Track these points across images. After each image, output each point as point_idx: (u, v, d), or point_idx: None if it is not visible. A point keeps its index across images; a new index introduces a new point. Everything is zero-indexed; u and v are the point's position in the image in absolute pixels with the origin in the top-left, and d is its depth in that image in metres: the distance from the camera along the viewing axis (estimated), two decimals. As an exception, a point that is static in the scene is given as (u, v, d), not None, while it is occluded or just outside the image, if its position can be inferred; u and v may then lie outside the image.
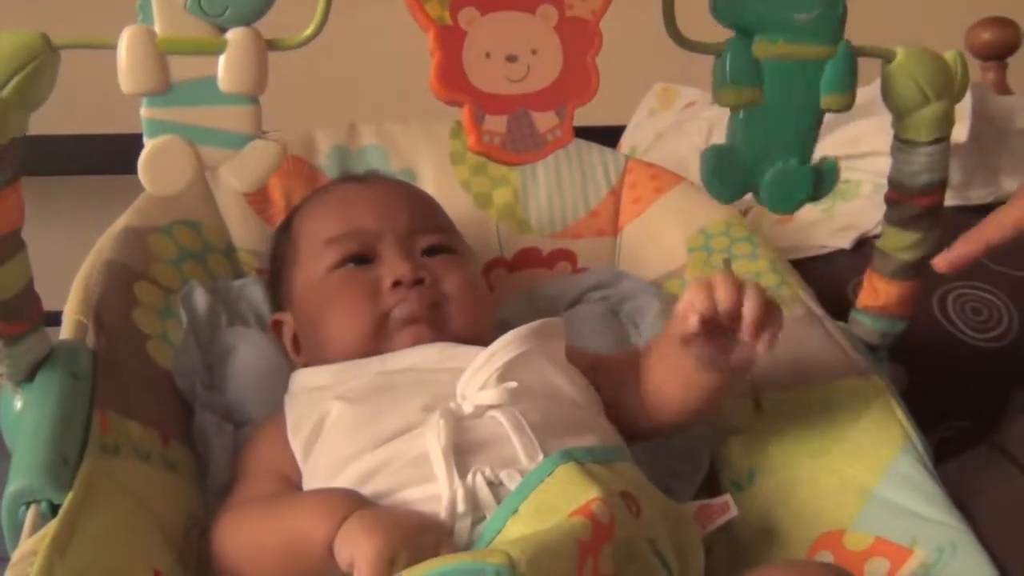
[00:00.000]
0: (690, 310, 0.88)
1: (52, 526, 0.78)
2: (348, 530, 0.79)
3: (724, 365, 0.91)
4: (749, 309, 0.87)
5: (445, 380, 0.92)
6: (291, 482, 0.94)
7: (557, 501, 0.79)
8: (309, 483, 0.93)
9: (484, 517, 0.81)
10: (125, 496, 0.86)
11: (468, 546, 0.80)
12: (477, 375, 0.90)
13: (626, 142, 1.71)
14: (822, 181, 0.89)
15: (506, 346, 0.91)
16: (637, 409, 0.99)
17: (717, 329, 0.89)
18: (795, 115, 0.86)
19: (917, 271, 0.98)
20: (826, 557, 0.89)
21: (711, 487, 1.04)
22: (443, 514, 0.81)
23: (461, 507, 0.81)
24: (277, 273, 1.14)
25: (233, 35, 0.77)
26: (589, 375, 1.00)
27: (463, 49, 0.77)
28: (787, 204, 0.89)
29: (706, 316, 0.87)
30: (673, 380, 0.96)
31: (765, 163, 0.87)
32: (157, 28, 0.76)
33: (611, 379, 1.01)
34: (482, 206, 1.29)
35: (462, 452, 0.85)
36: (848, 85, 0.85)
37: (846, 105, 0.86)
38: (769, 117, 0.85)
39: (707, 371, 0.92)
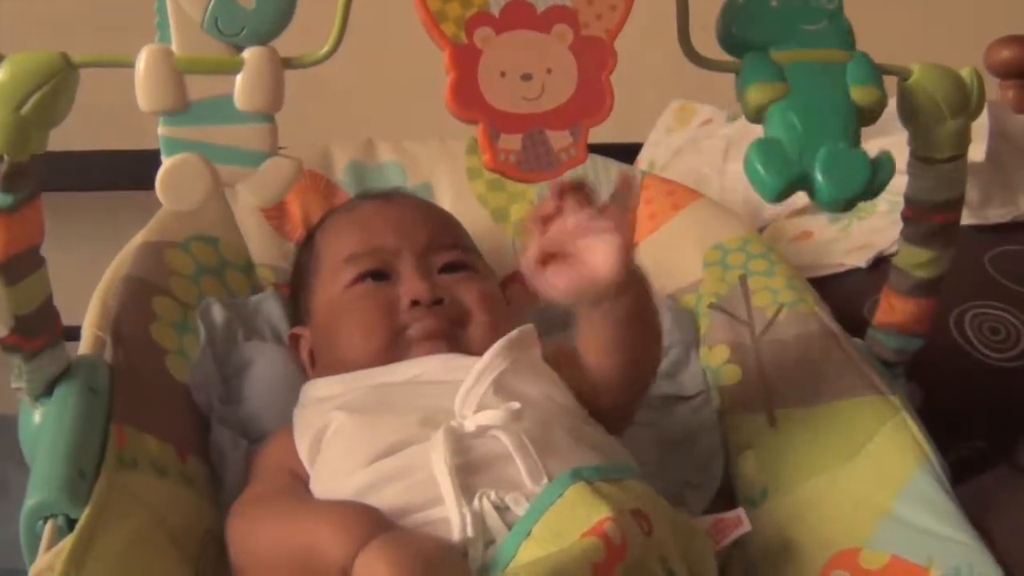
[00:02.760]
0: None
1: (69, 541, 0.79)
2: (370, 560, 0.77)
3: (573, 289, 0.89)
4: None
5: (442, 393, 0.92)
6: (301, 479, 0.94)
7: (569, 522, 0.79)
8: (315, 490, 0.93)
9: (494, 541, 0.81)
10: (142, 511, 0.87)
11: (482, 571, 0.80)
12: (472, 393, 0.90)
13: (644, 159, 1.71)
14: (879, 170, 0.84)
15: (492, 361, 0.91)
16: (590, 391, 0.99)
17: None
18: (828, 104, 0.84)
19: (934, 289, 0.98)
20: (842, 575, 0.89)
21: (726, 503, 1.04)
22: (455, 537, 0.81)
23: (470, 532, 0.81)
24: (297, 288, 1.15)
25: (250, 54, 0.77)
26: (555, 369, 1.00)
27: (478, 68, 0.77)
28: (847, 189, 0.83)
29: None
30: (585, 348, 0.98)
31: (811, 147, 0.83)
32: (175, 47, 0.77)
33: (570, 369, 1.01)
34: (499, 221, 1.30)
35: (466, 472, 0.85)
36: (874, 79, 0.84)
37: (877, 100, 0.84)
38: (801, 107, 0.83)
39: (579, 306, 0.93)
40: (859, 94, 0.84)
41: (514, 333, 0.94)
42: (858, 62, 0.85)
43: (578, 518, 0.79)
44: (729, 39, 0.83)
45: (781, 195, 0.84)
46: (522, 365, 0.93)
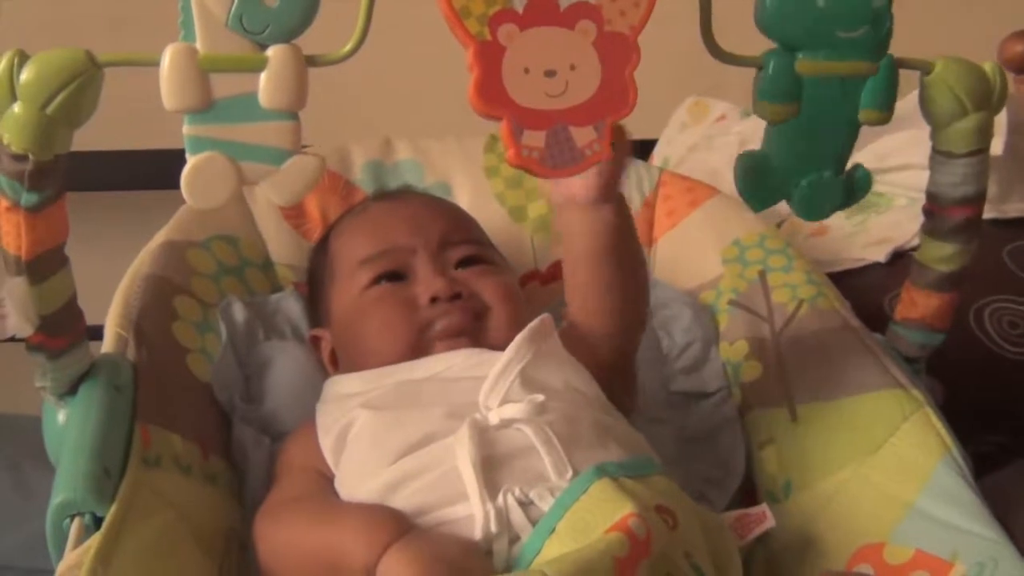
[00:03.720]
0: None
1: (96, 539, 0.79)
2: (393, 563, 0.78)
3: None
4: None
5: (468, 388, 0.92)
6: (326, 478, 0.94)
7: (593, 518, 0.79)
8: (340, 489, 0.93)
9: (518, 537, 0.81)
10: (167, 509, 0.87)
11: (507, 568, 0.80)
12: (497, 387, 0.90)
13: (658, 155, 1.71)
14: (853, 190, 0.89)
15: (516, 354, 0.91)
16: (598, 335, 1.03)
17: None
18: (832, 129, 0.86)
19: (955, 283, 0.98)
20: (866, 570, 0.89)
21: (746, 499, 1.04)
22: (478, 534, 0.81)
23: (494, 528, 0.81)
24: (315, 291, 1.15)
25: (274, 52, 0.77)
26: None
27: (502, 65, 0.77)
28: (817, 213, 0.90)
29: None
30: (576, 269, 1.03)
31: (798, 174, 0.87)
32: (199, 45, 0.76)
33: (577, 338, 1.02)
34: (517, 219, 1.30)
35: (490, 467, 0.85)
36: (887, 102, 0.85)
37: (883, 120, 0.86)
38: (806, 131, 0.85)
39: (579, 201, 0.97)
40: (867, 116, 0.86)
41: (534, 323, 0.94)
42: (881, 76, 0.85)
43: (603, 514, 0.79)
44: (767, 24, 0.83)
45: (760, 210, 0.90)
46: (544, 355, 0.93)
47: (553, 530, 0.80)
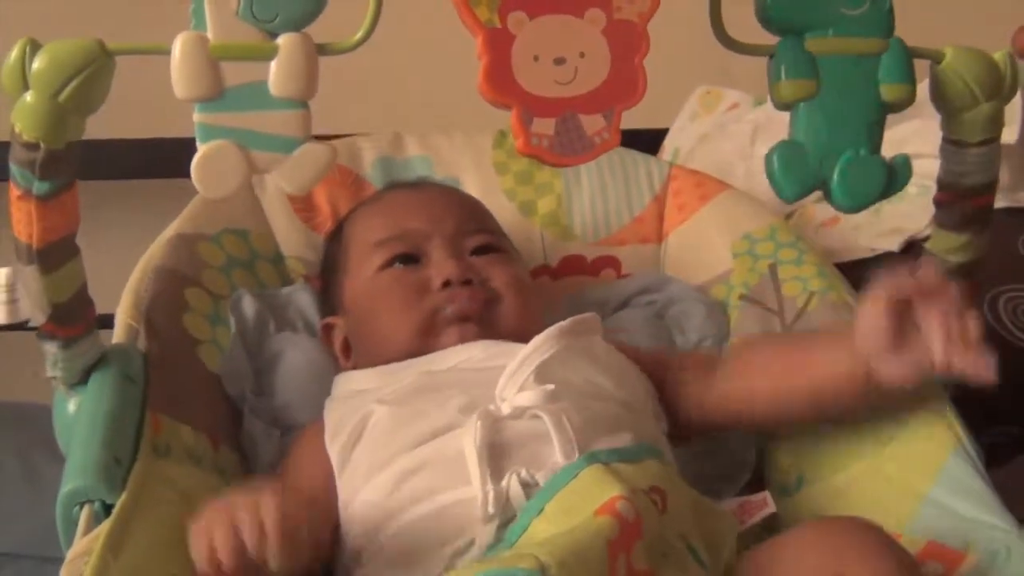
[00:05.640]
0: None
1: (105, 526, 0.79)
2: None
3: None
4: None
5: (486, 379, 0.92)
6: (318, 502, 0.93)
7: (581, 501, 0.79)
8: (349, 485, 0.93)
9: (515, 516, 0.82)
10: (177, 498, 0.87)
11: (493, 545, 0.81)
12: (515, 377, 0.90)
13: (668, 145, 1.71)
14: (895, 176, 0.87)
15: (540, 346, 0.91)
16: (696, 407, 1.01)
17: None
18: (856, 106, 0.85)
19: (968, 273, 0.97)
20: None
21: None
22: (479, 516, 0.82)
23: (492, 509, 0.81)
24: (328, 278, 1.16)
25: (284, 40, 0.78)
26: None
27: (512, 52, 0.77)
28: (861, 198, 0.87)
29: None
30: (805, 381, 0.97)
31: (833, 155, 0.85)
32: (210, 34, 0.77)
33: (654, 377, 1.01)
34: (526, 214, 1.29)
35: (498, 453, 0.85)
36: (906, 76, 0.85)
37: (907, 96, 0.85)
38: (829, 108, 0.85)
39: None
40: (889, 92, 0.85)
41: (576, 319, 0.95)
42: (893, 54, 0.85)
43: (591, 496, 0.79)
44: (767, 17, 0.83)
45: (798, 199, 0.87)
46: (573, 352, 0.93)
47: (542, 511, 0.80)
